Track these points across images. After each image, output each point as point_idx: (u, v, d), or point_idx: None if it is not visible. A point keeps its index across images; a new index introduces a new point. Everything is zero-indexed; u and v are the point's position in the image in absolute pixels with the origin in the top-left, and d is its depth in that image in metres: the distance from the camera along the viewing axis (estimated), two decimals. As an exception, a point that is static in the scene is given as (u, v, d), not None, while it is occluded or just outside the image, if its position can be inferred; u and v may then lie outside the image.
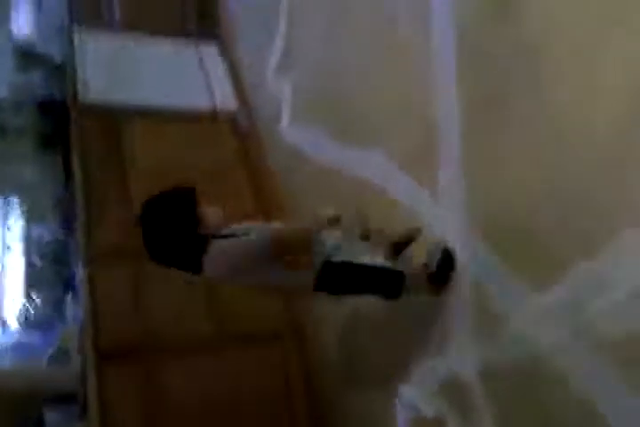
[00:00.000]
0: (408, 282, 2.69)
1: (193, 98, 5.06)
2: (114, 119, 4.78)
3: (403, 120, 3.29)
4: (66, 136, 4.71)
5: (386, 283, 2.69)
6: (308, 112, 4.36)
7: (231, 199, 4.29)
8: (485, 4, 2.74)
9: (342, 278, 2.61)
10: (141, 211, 2.50)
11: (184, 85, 5.12)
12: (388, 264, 2.71)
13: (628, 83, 2.09)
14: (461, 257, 2.80)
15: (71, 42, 5.09)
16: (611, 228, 2.10)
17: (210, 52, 5.50)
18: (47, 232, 4.69)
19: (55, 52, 5.46)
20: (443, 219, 2.94)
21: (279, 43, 4.63)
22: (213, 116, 5.05)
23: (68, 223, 4.61)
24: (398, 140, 3.32)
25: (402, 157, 3.26)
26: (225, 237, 2.49)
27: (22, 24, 5.64)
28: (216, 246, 2.45)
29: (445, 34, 2.95)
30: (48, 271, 4.53)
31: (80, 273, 4.04)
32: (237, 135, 5.10)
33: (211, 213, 2.53)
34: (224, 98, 5.19)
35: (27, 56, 5.48)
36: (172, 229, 2.46)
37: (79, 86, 4.82)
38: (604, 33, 2.18)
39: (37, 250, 4.62)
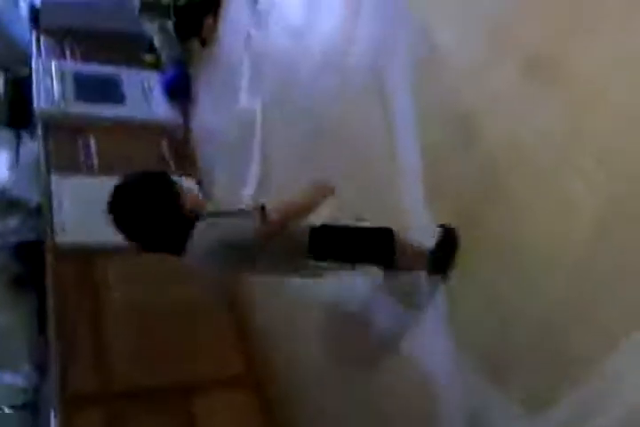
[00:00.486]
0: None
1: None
2: (90, 260, 4.76)
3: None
4: (41, 279, 4.64)
5: (375, 242, 2.60)
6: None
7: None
8: (447, 133, 2.82)
9: (332, 237, 2.53)
10: (113, 195, 2.43)
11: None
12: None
13: (592, 203, 2.11)
14: (452, 383, 2.71)
15: (48, 186, 5.15)
16: (607, 341, 2.03)
17: (186, 185, 5.56)
18: (18, 379, 4.49)
19: (31, 195, 5.51)
20: (430, 344, 2.88)
21: (253, 173, 4.73)
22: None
23: (41, 369, 4.44)
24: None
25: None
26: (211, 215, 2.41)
27: (-2, 171, 5.74)
28: (201, 231, 2.35)
29: (413, 161, 3.01)
30: (18, 421, 4.30)
31: (52, 421, 3.83)
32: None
33: (190, 196, 2.50)
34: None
35: (2, 202, 5.52)
36: (157, 210, 2.37)
37: (56, 229, 4.81)
38: (566, 154, 2.22)
39: (7, 398, 4.39)
